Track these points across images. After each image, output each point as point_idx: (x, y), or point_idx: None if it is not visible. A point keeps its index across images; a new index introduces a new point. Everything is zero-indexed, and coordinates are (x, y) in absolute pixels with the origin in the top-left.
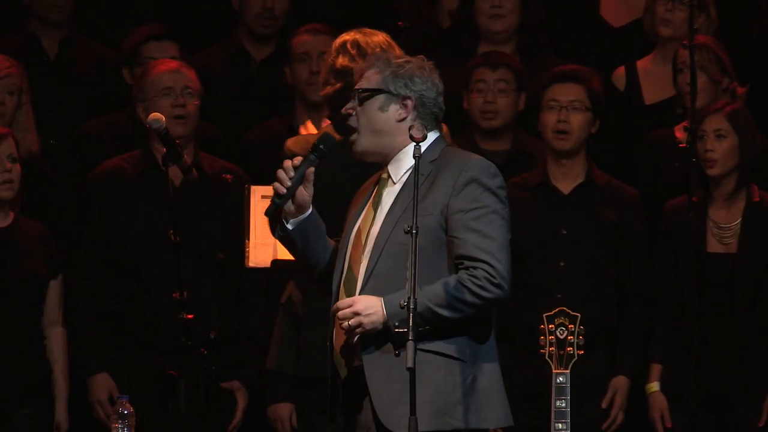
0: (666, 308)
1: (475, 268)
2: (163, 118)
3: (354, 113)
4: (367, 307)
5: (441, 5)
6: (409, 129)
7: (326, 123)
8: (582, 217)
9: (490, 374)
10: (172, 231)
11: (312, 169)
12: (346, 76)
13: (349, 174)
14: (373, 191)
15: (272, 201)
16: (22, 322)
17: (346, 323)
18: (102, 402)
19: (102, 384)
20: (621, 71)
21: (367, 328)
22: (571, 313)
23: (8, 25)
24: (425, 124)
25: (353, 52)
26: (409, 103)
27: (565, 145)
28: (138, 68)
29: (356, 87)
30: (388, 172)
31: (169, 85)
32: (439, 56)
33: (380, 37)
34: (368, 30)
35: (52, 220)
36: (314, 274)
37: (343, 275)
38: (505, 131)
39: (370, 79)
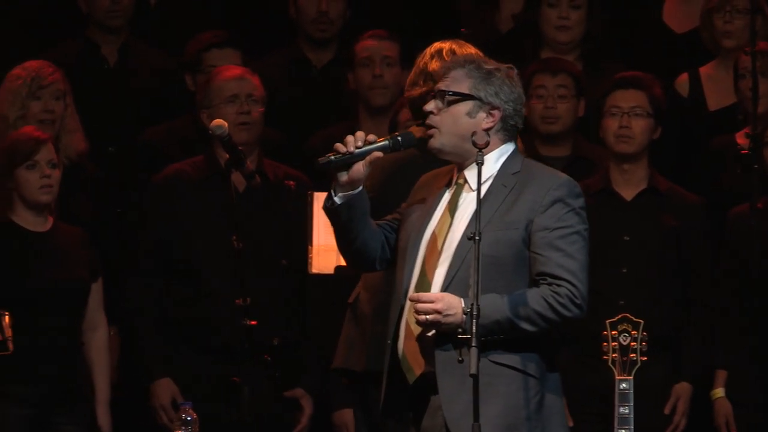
0: (730, 315)
1: (558, 285)
2: (226, 125)
3: (437, 113)
4: (448, 307)
5: (501, 10)
6: (472, 135)
7: None
8: (644, 224)
9: (554, 391)
10: (234, 237)
11: (380, 154)
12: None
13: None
14: (444, 194)
15: (327, 156)
16: (63, 326)
17: (423, 317)
18: (165, 407)
19: (165, 389)
20: (684, 78)
21: (442, 328)
22: (634, 319)
23: (68, 33)
24: (507, 134)
25: (448, 59)
26: (497, 113)
27: (627, 149)
28: (200, 75)
29: (442, 87)
30: (465, 178)
31: (235, 92)
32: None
33: (474, 50)
34: (462, 41)
35: (98, 222)
36: (350, 249)
37: (415, 278)
38: (564, 137)
39: (458, 81)
